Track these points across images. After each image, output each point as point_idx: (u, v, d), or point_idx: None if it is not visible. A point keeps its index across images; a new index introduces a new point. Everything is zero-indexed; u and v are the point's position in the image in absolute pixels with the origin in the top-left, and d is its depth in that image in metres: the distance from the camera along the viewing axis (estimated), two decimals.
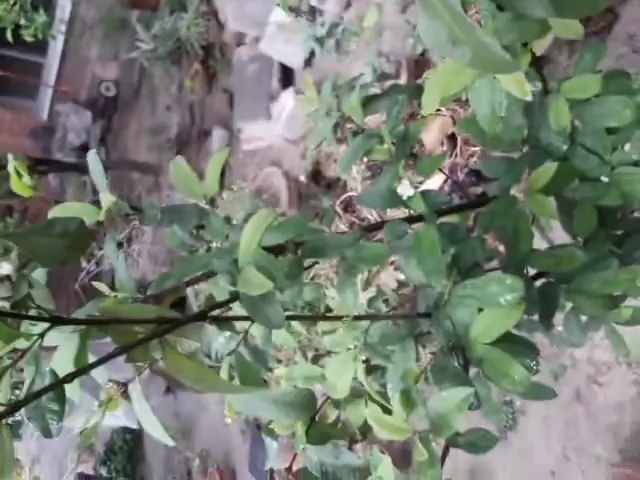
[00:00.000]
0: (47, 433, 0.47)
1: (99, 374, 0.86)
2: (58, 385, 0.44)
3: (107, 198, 0.60)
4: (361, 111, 1.02)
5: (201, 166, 3.99)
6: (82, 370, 0.45)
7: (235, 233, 0.72)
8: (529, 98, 0.60)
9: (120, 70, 6.00)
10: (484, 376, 0.75)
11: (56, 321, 0.46)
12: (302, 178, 2.77)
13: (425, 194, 0.90)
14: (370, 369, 0.92)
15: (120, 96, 6.26)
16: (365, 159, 2.32)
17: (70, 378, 0.44)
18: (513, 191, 0.94)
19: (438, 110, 1.93)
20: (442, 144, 1.87)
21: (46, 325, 0.47)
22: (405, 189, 0.88)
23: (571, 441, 1.64)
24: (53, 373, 0.45)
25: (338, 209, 2.31)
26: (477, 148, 1.85)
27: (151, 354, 0.52)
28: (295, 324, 0.86)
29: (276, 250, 0.73)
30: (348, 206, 2.21)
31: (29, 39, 3.70)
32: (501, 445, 1.83)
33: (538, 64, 0.86)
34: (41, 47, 6.17)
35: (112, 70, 6.22)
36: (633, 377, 1.50)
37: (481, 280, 0.73)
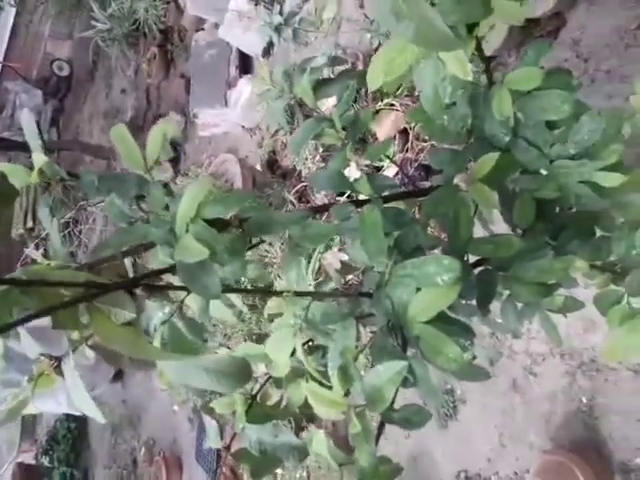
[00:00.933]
0: None
1: (30, 347, 0.83)
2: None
3: (39, 158, 0.58)
4: (312, 94, 1.02)
5: None
6: (9, 324, 0.43)
7: (175, 204, 0.71)
8: (469, 78, 0.62)
9: (74, 49, 5.80)
10: (421, 355, 0.76)
11: None
12: (258, 166, 2.76)
13: (371, 177, 0.92)
14: (312, 349, 0.92)
15: (74, 76, 6.04)
16: (320, 150, 2.33)
17: None
18: (457, 181, 0.97)
19: (391, 105, 1.96)
20: (394, 138, 1.89)
21: None
22: (353, 172, 0.89)
23: (507, 429, 1.70)
24: None
25: (292, 198, 2.31)
26: (427, 144, 1.89)
27: (79, 320, 0.50)
28: (238, 302, 0.85)
29: (220, 225, 0.72)
30: (302, 196, 2.21)
31: None
32: (442, 433, 1.88)
33: (487, 63, 0.88)
34: None
35: (65, 49, 6.00)
36: (565, 368, 1.57)
37: (419, 260, 0.75)
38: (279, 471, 2.45)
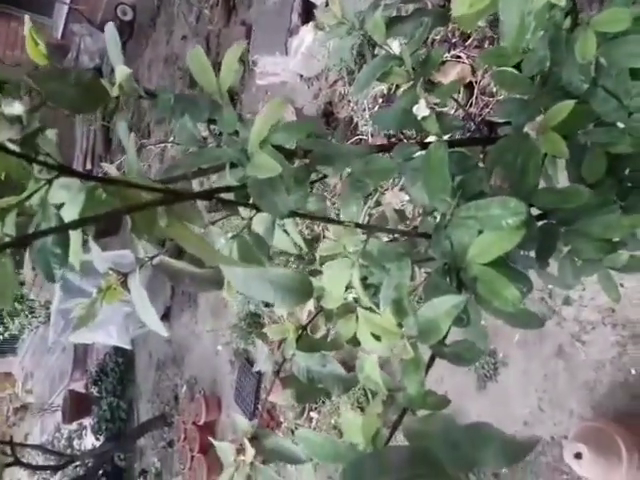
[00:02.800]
0: (50, 277, 0.48)
1: (100, 262, 0.88)
2: (63, 229, 0.46)
3: (122, 70, 0.60)
4: (384, 29, 1.00)
5: None
6: (88, 219, 0.46)
7: (245, 129, 0.72)
8: (563, 3, 0.59)
9: None
10: (476, 299, 0.76)
11: (64, 170, 0.46)
12: (314, 117, 2.73)
13: (440, 115, 0.90)
14: (364, 287, 0.93)
15: (137, 21, 6.10)
16: (380, 100, 2.29)
17: (76, 224, 0.45)
18: (527, 130, 0.93)
19: (458, 57, 1.90)
20: (459, 92, 1.84)
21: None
22: (422, 110, 0.87)
23: (547, 394, 1.69)
24: (59, 217, 0.46)
25: None
26: (493, 99, 1.82)
27: (157, 223, 0.52)
28: (297, 237, 0.87)
29: (285, 154, 0.73)
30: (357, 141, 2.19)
31: None
32: (480, 393, 1.89)
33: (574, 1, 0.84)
34: (48, 8, 5.97)
35: None
36: (616, 338, 1.53)
37: (484, 202, 0.73)
38: (314, 415, 2.53)
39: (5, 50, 6.53)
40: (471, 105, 1.77)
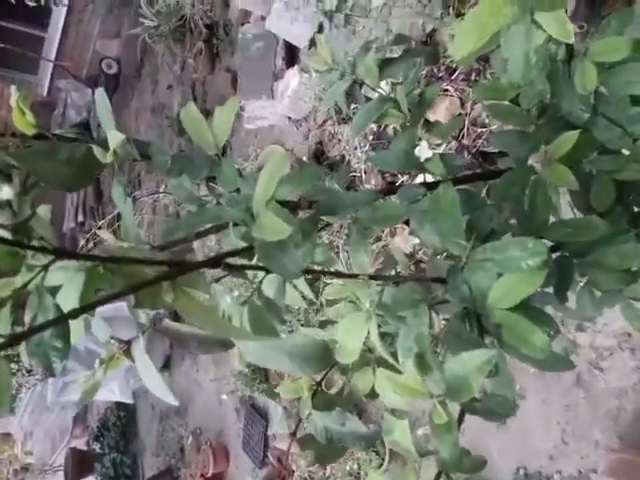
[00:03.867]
0: (50, 371, 0.44)
1: (100, 330, 0.84)
2: (63, 320, 0.42)
3: (115, 136, 0.57)
4: (377, 72, 0.99)
5: None
6: (88, 306, 0.42)
7: (247, 184, 0.69)
8: (572, 41, 0.57)
9: (122, 47, 5.92)
10: (499, 345, 0.72)
11: (60, 253, 0.43)
12: (304, 158, 2.73)
13: (444, 156, 0.88)
14: (380, 336, 0.89)
15: (122, 74, 6.18)
16: (370, 138, 2.29)
17: (76, 313, 0.42)
18: (532, 162, 0.92)
19: (445, 91, 1.90)
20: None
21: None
22: (424, 151, 0.85)
23: (570, 426, 1.63)
24: (57, 307, 0.43)
25: (340, 189, 2.28)
26: (484, 130, 1.82)
27: (161, 298, 0.49)
28: (305, 289, 0.83)
29: (290, 207, 0.70)
30: (350, 186, 2.18)
31: (31, 4, 3.65)
32: (499, 429, 1.82)
33: None
34: (43, 20, 6.08)
35: (114, 47, 6.14)
36: (635, 363, 1.49)
37: (501, 243, 0.71)
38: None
39: None
40: (463, 137, 1.77)
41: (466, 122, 1.81)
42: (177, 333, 0.89)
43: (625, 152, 0.93)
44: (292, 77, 2.65)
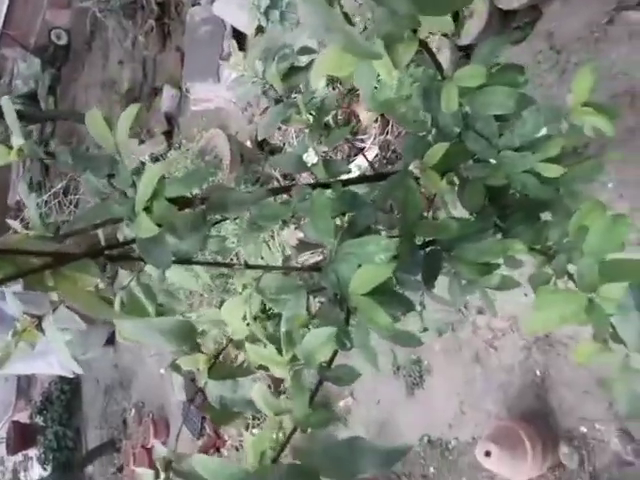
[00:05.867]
0: None
1: (14, 307, 0.93)
2: None
3: (17, 141, 0.66)
4: (279, 81, 1.09)
5: (150, 123, 3.96)
6: None
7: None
8: (394, 81, 0.70)
9: (72, 18, 5.77)
10: (358, 324, 0.86)
11: None
12: (248, 143, 2.82)
13: (327, 163, 1.00)
14: (270, 316, 1.02)
15: (72, 46, 6.03)
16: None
17: None
18: (412, 168, 1.05)
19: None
20: (376, 121, 1.96)
21: None
22: (311, 157, 0.97)
23: (468, 397, 1.81)
24: None
25: (278, 175, 2.39)
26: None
27: (46, 283, 0.59)
28: (202, 273, 0.94)
29: (183, 203, 0.81)
30: (287, 173, 2.28)
31: None
32: (409, 400, 2.00)
33: (435, 60, 0.95)
34: None
35: (64, 17, 5.97)
36: (523, 342, 1.68)
37: (361, 240, 0.84)
38: (256, 431, 2.58)
39: None
40: (387, 133, 1.90)
41: (391, 120, 1.94)
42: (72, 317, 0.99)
43: (492, 161, 1.08)
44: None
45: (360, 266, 0.85)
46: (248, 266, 0.80)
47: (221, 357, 1.03)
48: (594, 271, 0.74)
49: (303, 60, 1.15)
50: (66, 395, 5.36)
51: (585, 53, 1.57)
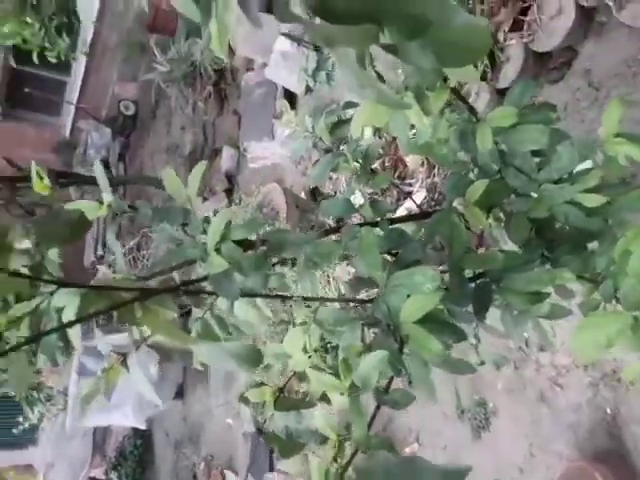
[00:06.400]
0: (54, 362, 0.64)
1: (103, 345, 1.04)
2: (63, 327, 0.62)
3: (107, 196, 0.78)
4: (328, 134, 1.20)
5: (212, 182, 4.21)
6: (82, 319, 0.62)
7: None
8: (427, 127, 0.77)
9: (139, 90, 6.29)
10: (411, 352, 0.90)
11: (61, 284, 0.63)
12: (302, 194, 2.95)
13: (374, 203, 1.08)
14: (329, 350, 1.08)
15: (138, 115, 6.54)
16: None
17: (71, 323, 0.62)
18: (456, 205, 1.11)
19: None
20: (422, 164, 2.04)
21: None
22: (358, 199, 1.05)
23: (536, 439, 1.76)
24: (59, 318, 0.63)
25: (331, 222, 2.48)
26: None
27: (134, 315, 0.69)
28: (264, 308, 1.02)
29: (246, 245, 0.90)
30: (340, 219, 2.38)
31: (53, 61, 4.00)
32: (475, 443, 1.96)
33: (468, 105, 1.03)
34: (65, 67, 6.51)
35: (131, 90, 6.52)
36: (589, 379, 1.63)
37: (408, 271, 0.90)
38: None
39: (15, 147, 6.99)
40: (434, 176, 1.96)
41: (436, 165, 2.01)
42: (163, 347, 1.09)
43: (534, 195, 1.12)
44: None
45: (409, 296, 0.91)
46: (306, 298, 0.87)
47: (285, 391, 1.10)
48: (637, 290, 0.76)
49: (350, 113, 1.25)
50: (139, 450, 5.50)
51: (624, 87, 1.60)
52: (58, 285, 0.64)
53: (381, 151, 2.07)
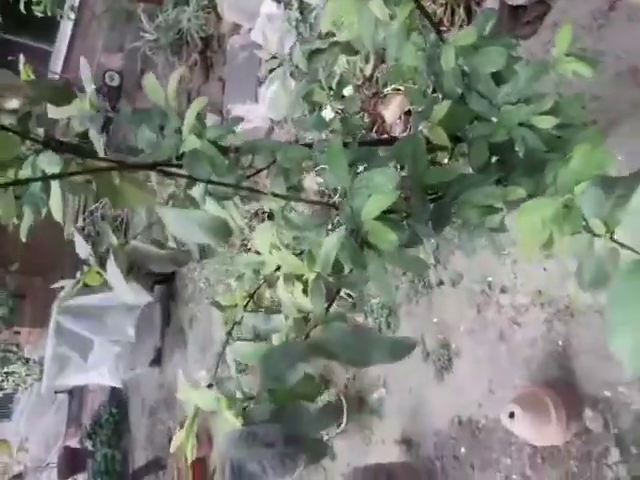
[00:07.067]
0: (37, 213, 0.70)
1: (82, 249, 1.10)
2: (45, 179, 0.68)
3: (91, 93, 0.84)
4: (304, 60, 1.26)
5: None
6: (63, 174, 0.68)
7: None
8: (386, 18, 0.84)
9: (124, 60, 6.25)
10: (368, 247, 0.98)
11: (48, 144, 0.69)
12: None
13: (344, 119, 1.15)
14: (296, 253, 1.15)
15: (123, 85, 6.51)
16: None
17: (53, 177, 0.68)
18: (421, 127, 1.19)
19: (397, 90, 2.18)
20: (400, 118, 2.11)
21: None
22: (327, 114, 1.12)
23: (495, 376, 1.87)
24: (43, 172, 0.69)
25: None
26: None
27: (112, 183, 0.75)
28: (238, 219, 1.09)
29: (221, 150, 0.96)
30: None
31: (39, 14, 4.00)
32: (439, 385, 2.06)
33: (436, 27, 1.10)
34: (50, 35, 6.45)
35: (117, 61, 6.47)
36: (545, 316, 1.73)
37: (369, 173, 0.97)
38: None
39: None
40: (410, 130, 2.04)
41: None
42: (141, 252, 1.15)
43: (494, 119, 1.20)
44: (271, 82, 2.94)
45: (370, 196, 0.98)
46: (276, 195, 0.94)
47: (255, 297, 1.17)
48: (570, 178, 0.85)
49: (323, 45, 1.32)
50: (114, 417, 5.53)
51: (590, 39, 1.69)
52: (43, 145, 0.69)
53: (360, 105, 2.14)
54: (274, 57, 1.31)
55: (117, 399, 5.61)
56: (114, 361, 3.84)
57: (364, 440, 2.33)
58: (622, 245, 0.65)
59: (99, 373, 3.87)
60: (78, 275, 1.15)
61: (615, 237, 0.68)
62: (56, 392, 6.21)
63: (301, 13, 2.35)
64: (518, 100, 1.15)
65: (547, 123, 1.13)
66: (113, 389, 5.42)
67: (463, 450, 1.90)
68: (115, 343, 3.76)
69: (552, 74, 1.11)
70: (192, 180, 0.82)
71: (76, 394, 6.55)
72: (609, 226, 0.68)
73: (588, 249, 0.74)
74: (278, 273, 1.08)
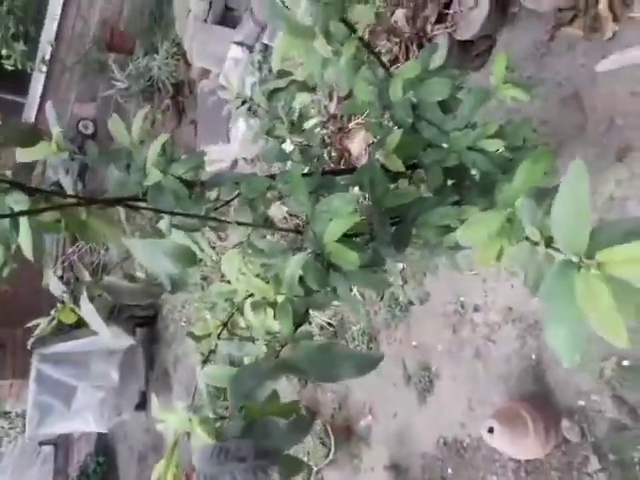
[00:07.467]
0: (7, 249, 0.74)
1: (56, 288, 1.12)
2: (13, 216, 0.72)
3: (57, 133, 0.89)
4: (264, 98, 1.33)
5: None
6: (32, 211, 0.73)
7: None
8: (329, 55, 0.91)
9: (98, 109, 6.34)
10: (335, 270, 1.03)
11: (15, 185, 0.74)
12: None
13: (303, 150, 1.21)
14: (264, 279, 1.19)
15: (97, 133, 6.58)
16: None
17: (21, 213, 0.72)
18: (377, 156, 1.26)
19: (361, 124, 2.28)
20: (365, 150, 2.20)
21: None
22: (287, 146, 1.18)
23: (474, 394, 1.90)
24: (12, 209, 0.73)
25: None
26: None
27: (80, 218, 0.79)
28: (206, 247, 1.13)
29: (187, 184, 1.02)
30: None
31: (10, 68, 4.08)
32: (422, 408, 2.08)
33: (382, 63, 1.18)
34: (22, 88, 6.53)
35: (90, 110, 6.56)
36: (516, 332, 1.78)
37: (329, 198, 1.03)
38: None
39: None
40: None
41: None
42: (115, 287, 1.19)
43: (445, 145, 1.27)
44: (241, 122, 3.03)
45: (331, 220, 1.03)
46: (240, 223, 0.99)
47: (229, 325, 1.21)
48: (513, 193, 0.91)
49: (281, 83, 1.39)
50: (102, 467, 5.38)
51: (534, 67, 1.80)
52: (10, 185, 0.74)
53: (327, 140, 2.22)
54: (238, 97, 1.37)
55: (103, 447, 5.47)
56: (98, 407, 3.77)
57: (353, 469, 2.33)
58: (555, 249, 0.71)
59: (84, 420, 3.79)
60: (52, 313, 1.17)
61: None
62: (41, 444, 6.03)
63: (264, 56, 2.46)
64: (465, 126, 1.23)
65: (494, 146, 1.21)
66: (99, 438, 5.29)
67: (450, 471, 1.91)
68: (98, 388, 3.71)
69: (493, 100, 1.20)
70: (158, 213, 0.87)
71: (61, 445, 6.36)
72: (543, 233, 0.74)
73: (530, 256, 0.80)
74: (249, 300, 1.12)
